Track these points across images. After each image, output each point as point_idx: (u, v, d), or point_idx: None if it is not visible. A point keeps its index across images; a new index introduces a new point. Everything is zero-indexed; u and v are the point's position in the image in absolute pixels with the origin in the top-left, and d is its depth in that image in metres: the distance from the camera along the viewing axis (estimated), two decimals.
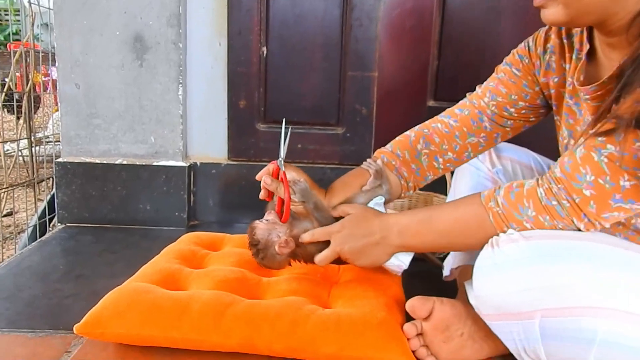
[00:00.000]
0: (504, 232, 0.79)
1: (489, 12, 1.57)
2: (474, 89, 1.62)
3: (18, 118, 1.99)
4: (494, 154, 1.10)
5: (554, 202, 0.76)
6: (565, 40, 0.88)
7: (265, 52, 1.50)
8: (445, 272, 1.11)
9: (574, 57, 0.86)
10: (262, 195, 0.99)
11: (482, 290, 0.78)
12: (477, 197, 0.84)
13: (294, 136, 1.57)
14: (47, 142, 1.96)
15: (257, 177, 0.98)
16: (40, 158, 1.91)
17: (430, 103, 1.64)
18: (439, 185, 1.36)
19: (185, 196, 1.54)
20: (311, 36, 1.49)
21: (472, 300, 0.82)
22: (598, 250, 0.72)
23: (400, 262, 0.94)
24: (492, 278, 0.77)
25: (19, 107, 1.86)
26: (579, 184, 0.73)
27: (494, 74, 1.04)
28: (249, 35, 1.48)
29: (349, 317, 0.86)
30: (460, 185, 1.12)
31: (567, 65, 0.88)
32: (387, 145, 1.07)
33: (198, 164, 1.57)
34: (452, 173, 1.17)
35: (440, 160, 1.04)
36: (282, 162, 0.99)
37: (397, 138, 1.08)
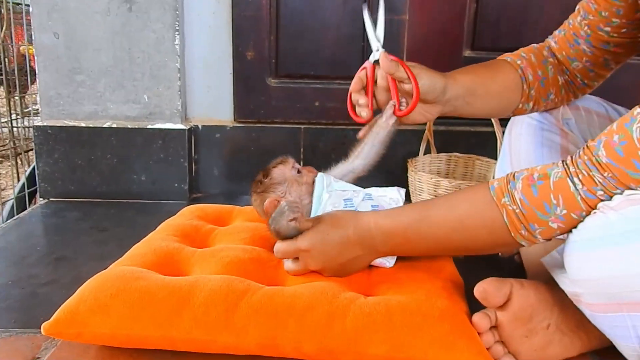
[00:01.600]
0: (521, 236, 0.62)
1: None
2: (517, 36, 1.42)
3: (9, 92, 1.79)
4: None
5: (600, 193, 0.57)
6: None
7: None
8: None
9: None
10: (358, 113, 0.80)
11: (589, 272, 0.58)
12: (485, 190, 0.65)
13: (310, 93, 1.38)
14: (36, 113, 1.75)
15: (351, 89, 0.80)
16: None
17: (467, 53, 1.42)
18: (486, 147, 1.15)
19: (186, 164, 1.33)
20: None
21: (566, 287, 0.62)
22: None
23: (385, 261, 0.80)
24: (606, 255, 0.56)
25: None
26: (636, 172, 0.54)
27: None
28: None
29: (400, 307, 0.66)
30: (519, 142, 0.92)
31: None
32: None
33: (200, 127, 1.36)
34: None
35: (561, 80, 0.87)
36: (382, 52, 0.78)
37: None
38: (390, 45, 1.30)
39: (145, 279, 0.69)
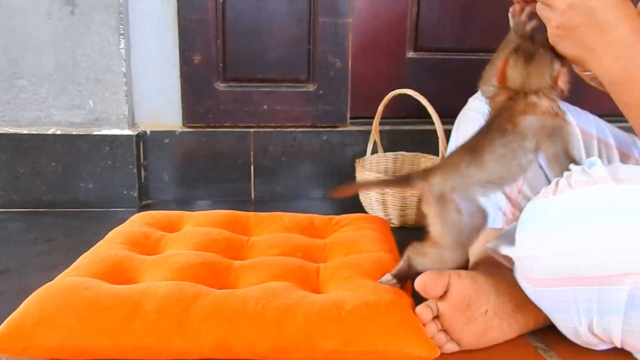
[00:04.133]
0: None
1: None
2: (459, 36, 1.48)
3: None
4: None
5: None
6: None
7: None
8: None
9: None
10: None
11: (536, 250, 0.62)
12: None
13: (258, 96, 1.39)
14: None
15: None
16: None
17: (410, 54, 1.47)
18: (431, 144, 1.19)
19: (135, 171, 1.32)
20: None
21: (512, 266, 0.66)
22: None
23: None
24: (557, 233, 0.60)
25: None
26: None
27: None
28: None
29: (349, 302, 0.68)
30: (465, 137, 0.96)
31: None
32: None
33: (148, 132, 1.35)
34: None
35: None
36: None
37: None
38: (334, 47, 1.33)
39: (93, 288, 0.69)
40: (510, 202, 0.88)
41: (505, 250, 0.67)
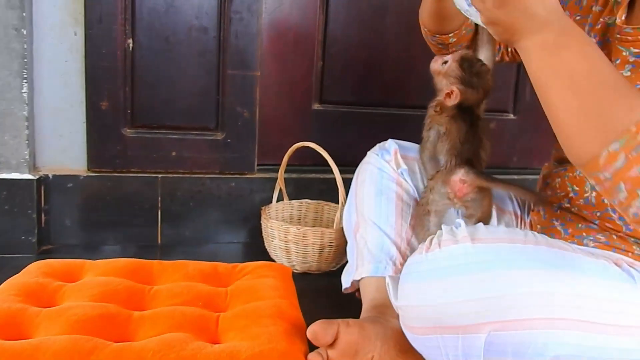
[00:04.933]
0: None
1: (374, 11, 1.53)
2: (361, 91, 1.59)
3: None
4: (399, 154, 1.04)
5: None
6: None
7: (131, 45, 1.30)
8: (345, 283, 1.02)
9: None
10: None
11: (412, 300, 0.69)
12: None
13: (167, 143, 1.41)
14: None
15: None
16: None
17: (316, 106, 1.56)
18: (335, 192, 1.26)
19: (35, 216, 1.28)
20: (185, 29, 1.32)
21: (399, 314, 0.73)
22: (551, 256, 0.66)
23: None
24: (427, 285, 0.68)
25: None
26: None
27: None
28: (111, 24, 1.27)
29: (244, 352, 0.72)
30: (363, 188, 1.04)
31: (598, 8, 0.84)
32: None
33: (50, 176, 1.32)
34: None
35: None
36: None
37: None
38: (242, 98, 1.39)
39: None
40: (400, 253, 0.96)
41: (392, 299, 0.75)
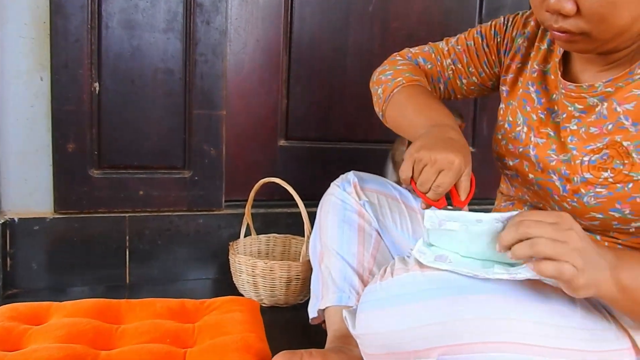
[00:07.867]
0: None
1: (335, 52, 1.59)
2: (325, 127, 1.65)
3: None
4: (358, 187, 1.07)
5: None
6: (541, 29, 0.89)
7: (97, 88, 1.33)
8: (312, 313, 1.04)
9: (544, 45, 0.87)
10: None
11: (368, 328, 0.71)
12: None
13: (134, 182, 1.43)
14: None
15: None
16: None
17: (282, 142, 1.60)
18: (301, 225, 1.30)
19: None
20: (151, 71, 1.36)
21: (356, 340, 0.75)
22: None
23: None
24: (382, 313, 0.70)
25: None
26: None
27: (462, 36, 1.01)
28: (77, 68, 1.30)
29: None
30: (327, 219, 1.07)
31: (533, 53, 0.89)
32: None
33: (16, 219, 1.32)
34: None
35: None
36: None
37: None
38: (209, 137, 1.43)
39: None
40: (362, 282, 0.99)
41: (350, 329, 0.77)
